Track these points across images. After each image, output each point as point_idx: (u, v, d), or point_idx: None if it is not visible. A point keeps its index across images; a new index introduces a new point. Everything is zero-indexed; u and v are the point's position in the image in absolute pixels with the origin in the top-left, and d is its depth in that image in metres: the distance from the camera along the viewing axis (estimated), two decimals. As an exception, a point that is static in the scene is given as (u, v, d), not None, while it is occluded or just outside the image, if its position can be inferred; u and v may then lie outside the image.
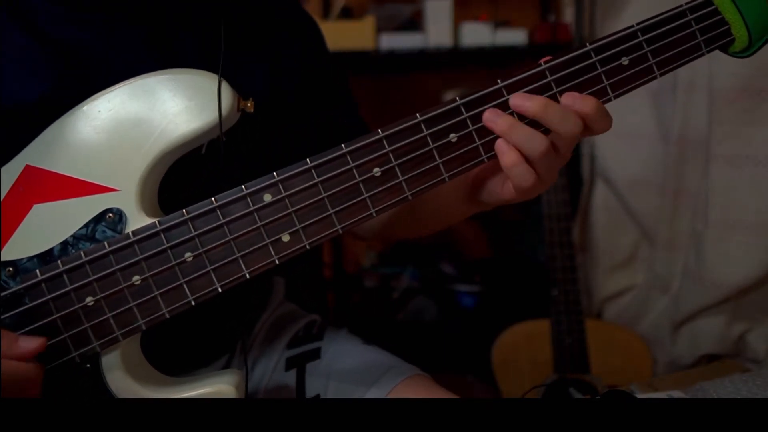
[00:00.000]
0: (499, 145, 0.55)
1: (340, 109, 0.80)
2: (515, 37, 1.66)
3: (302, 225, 0.54)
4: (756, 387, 1.00)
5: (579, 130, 0.54)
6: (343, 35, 1.60)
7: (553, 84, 0.55)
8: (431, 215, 0.74)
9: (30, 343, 0.51)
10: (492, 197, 0.62)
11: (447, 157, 0.55)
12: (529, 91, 0.55)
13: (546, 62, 0.55)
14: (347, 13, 1.73)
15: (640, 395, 1.06)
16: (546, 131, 0.55)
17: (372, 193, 0.54)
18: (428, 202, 0.70)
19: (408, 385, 0.68)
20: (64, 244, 0.54)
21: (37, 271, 0.53)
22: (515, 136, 0.54)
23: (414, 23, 1.73)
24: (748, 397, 0.97)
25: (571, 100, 0.54)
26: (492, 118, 0.54)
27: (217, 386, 0.56)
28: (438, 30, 1.62)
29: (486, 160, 0.55)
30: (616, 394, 0.76)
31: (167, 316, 0.54)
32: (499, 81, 0.55)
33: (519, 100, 0.54)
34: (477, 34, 1.64)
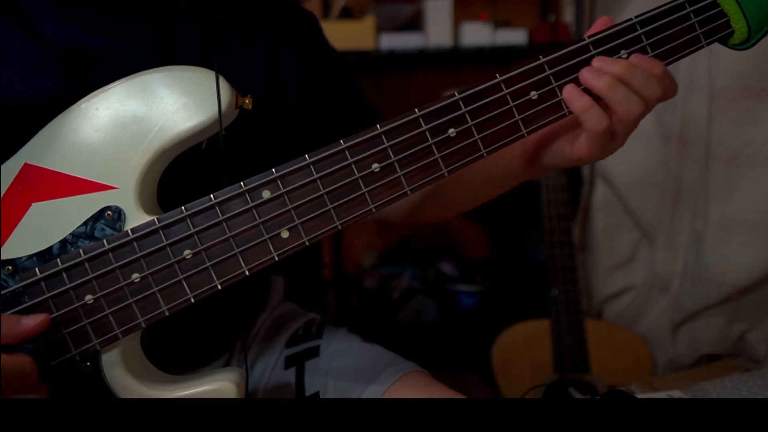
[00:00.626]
0: (569, 90, 0.55)
1: (345, 103, 0.79)
2: (515, 37, 1.66)
3: (301, 221, 0.54)
4: (756, 387, 1.00)
5: (659, 94, 0.55)
6: (343, 35, 1.60)
7: (551, 78, 0.55)
8: (475, 189, 0.74)
9: (32, 321, 0.51)
10: (558, 159, 0.62)
11: (446, 152, 0.55)
12: (527, 86, 0.55)
13: (545, 56, 0.55)
14: (347, 13, 1.73)
15: (640, 395, 1.06)
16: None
17: (371, 188, 0.54)
18: (476, 173, 0.69)
19: (407, 381, 0.68)
20: (63, 243, 0.54)
21: (37, 269, 0.53)
22: (615, 93, 0.54)
23: (414, 23, 1.73)
24: (748, 397, 0.97)
25: (639, 59, 0.55)
26: (591, 77, 0.54)
27: (217, 384, 0.56)
28: (438, 30, 1.62)
29: (485, 155, 0.55)
30: (616, 394, 0.75)
31: (167, 313, 0.54)
32: (497, 75, 0.55)
33: (603, 61, 0.55)
34: (477, 34, 1.64)
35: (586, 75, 0.55)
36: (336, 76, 0.79)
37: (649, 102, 0.55)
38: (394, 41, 1.64)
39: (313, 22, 0.80)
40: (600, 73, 0.54)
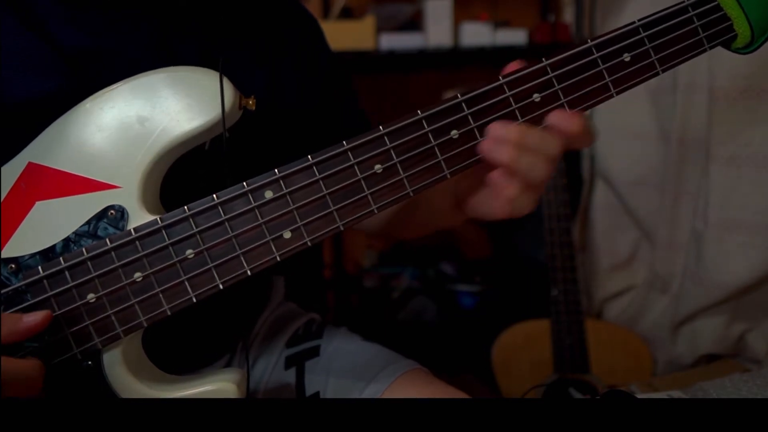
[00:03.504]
0: (497, 177, 0.54)
1: (341, 107, 0.80)
2: (515, 37, 1.66)
3: (304, 222, 0.54)
4: (756, 387, 1.00)
5: (558, 151, 0.54)
6: (343, 35, 1.60)
7: (554, 80, 0.55)
8: (426, 218, 0.74)
9: (34, 317, 0.51)
10: (478, 214, 0.61)
11: (448, 154, 0.55)
12: (530, 88, 0.55)
13: (548, 58, 0.55)
14: (347, 13, 1.73)
15: (640, 395, 1.07)
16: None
17: (373, 189, 0.54)
18: (422, 204, 0.70)
19: (407, 379, 0.69)
20: (66, 241, 0.54)
21: (39, 267, 0.53)
22: (521, 163, 0.53)
23: (414, 23, 1.73)
24: (748, 397, 0.97)
25: (557, 119, 0.54)
26: (494, 148, 0.53)
27: (218, 384, 0.56)
28: (438, 30, 1.62)
29: (487, 157, 0.55)
30: (616, 394, 0.76)
31: (169, 312, 0.54)
32: (500, 77, 0.55)
33: (498, 128, 0.54)
34: (477, 34, 1.64)
35: (486, 148, 0.54)
36: (334, 80, 0.80)
37: (554, 158, 0.54)
38: (394, 41, 1.64)
39: (315, 24, 0.80)
40: (499, 143, 0.53)
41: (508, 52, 1.67)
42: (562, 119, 0.54)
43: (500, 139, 0.53)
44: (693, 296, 1.38)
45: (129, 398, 0.55)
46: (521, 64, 0.56)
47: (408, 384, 0.68)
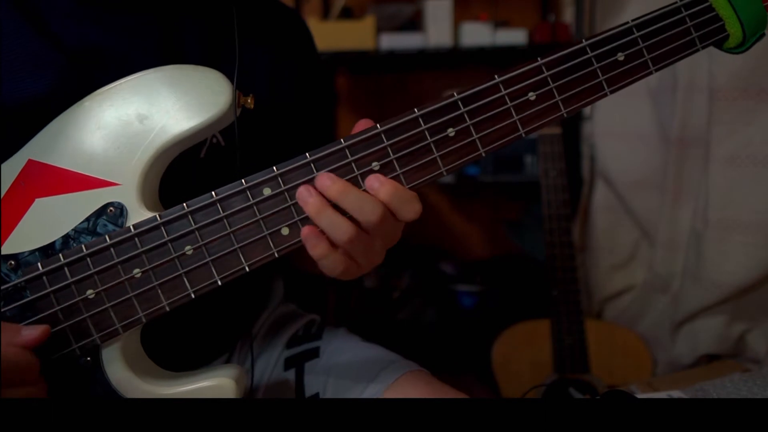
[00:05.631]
0: (306, 233, 0.52)
1: (316, 114, 0.82)
2: (515, 37, 1.66)
3: (301, 218, 0.54)
4: (756, 387, 1.00)
5: (376, 218, 0.52)
6: (343, 35, 1.60)
7: (549, 79, 0.55)
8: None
9: (33, 332, 0.52)
10: (306, 268, 0.60)
11: (444, 151, 0.55)
12: (525, 87, 0.55)
13: (543, 58, 0.55)
14: (347, 13, 1.73)
15: (640, 395, 1.07)
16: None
17: (370, 186, 0.54)
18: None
19: (407, 381, 0.68)
20: (66, 238, 0.55)
21: (39, 264, 0.54)
22: (321, 220, 0.52)
23: (414, 23, 1.73)
24: (748, 397, 0.97)
25: (373, 183, 0.53)
26: (304, 197, 0.52)
27: (216, 380, 0.56)
28: (438, 30, 1.62)
29: (483, 154, 0.56)
30: (616, 394, 0.75)
31: (167, 308, 0.55)
32: (496, 76, 0.55)
33: (322, 180, 0.52)
34: (477, 34, 1.65)
35: (300, 193, 0.53)
36: (322, 87, 0.81)
37: (371, 225, 0.52)
38: (394, 41, 1.64)
39: (308, 33, 0.82)
40: (309, 193, 0.52)
41: (508, 52, 1.67)
42: (374, 184, 0.53)
43: (311, 188, 0.53)
44: (693, 296, 1.38)
45: (130, 398, 0.55)
46: (368, 123, 0.55)
47: (408, 385, 0.68)
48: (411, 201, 0.53)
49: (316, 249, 0.52)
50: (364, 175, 0.54)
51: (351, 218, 0.52)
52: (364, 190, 0.53)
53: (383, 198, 0.52)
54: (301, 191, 0.53)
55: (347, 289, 1.91)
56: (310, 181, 0.54)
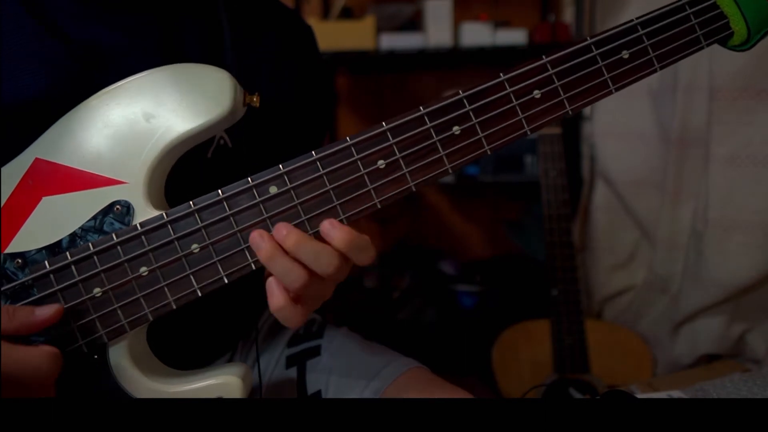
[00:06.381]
0: (269, 285, 0.52)
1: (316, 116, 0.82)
2: (515, 37, 1.67)
3: (307, 216, 0.54)
4: (756, 387, 1.01)
5: (333, 269, 0.51)
6: (343, 35, 1.61)
7: (554, 77, 0.56)
8: None
9: (47, 311, 0.51)
10: None
11: (450, 149, 0.55)
12: (530, 85, 0.56)
13: (548, 55, 0.56)
14: (347, 13, 1.74)
15: (640, 395, 1.07)
16: None
17: (376, 184, 0.54)
18: None
19: (408, 378, 0.69)
20: (73, 236, 0.55)
21: (46, 262, 0.54)
22: (274, 266, 0.51)
23: (414, 23, 1.74)
24: (748, 397, 0.97)
25: (328, 229, 0.51)
26: (257, 243, 0.52)
27: (223, 378, 0.56)
28: (438, 30, 1.63)
29: (489, 152, 0.56)
30: (616, 394, 0.76)
31: (174, 306, 0.55)
32: (501, 74, 0.55)
33: (278, 230, 0.52)
34: (477, 34, 1.65)
35: (253, 237, 0.52)
36: (322, 88, 0.82)
37: (328, 275, 0.51)
38: (394, 41, 1.64)
39: (310, 33, 0.82)
40: (263, 240, 0.51)
41: (508, 52, 1.67)
42: (328, 230, 0.51)
43: (264, 234, 0.52)
44: (693, 296, 1.38)
45: (133, 399, 0.55)
46: None
47: (409, 382, 0.68)
48: (366, 248, 0.52)
49: (274, 298, 0.52)
50: (370, 174, 0.54)
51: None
52: (319, 237, 0.52)
53: (338, 245, 0.51)
54: (253, 236, 0.52)
55: (347, 289, 1.91)
56: (314, 180, 0.54)
